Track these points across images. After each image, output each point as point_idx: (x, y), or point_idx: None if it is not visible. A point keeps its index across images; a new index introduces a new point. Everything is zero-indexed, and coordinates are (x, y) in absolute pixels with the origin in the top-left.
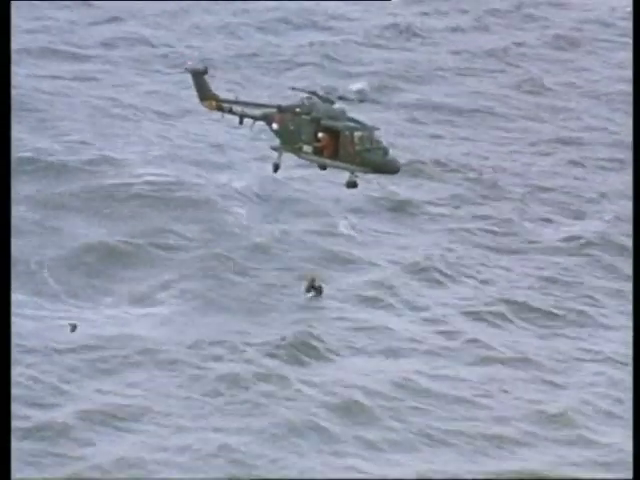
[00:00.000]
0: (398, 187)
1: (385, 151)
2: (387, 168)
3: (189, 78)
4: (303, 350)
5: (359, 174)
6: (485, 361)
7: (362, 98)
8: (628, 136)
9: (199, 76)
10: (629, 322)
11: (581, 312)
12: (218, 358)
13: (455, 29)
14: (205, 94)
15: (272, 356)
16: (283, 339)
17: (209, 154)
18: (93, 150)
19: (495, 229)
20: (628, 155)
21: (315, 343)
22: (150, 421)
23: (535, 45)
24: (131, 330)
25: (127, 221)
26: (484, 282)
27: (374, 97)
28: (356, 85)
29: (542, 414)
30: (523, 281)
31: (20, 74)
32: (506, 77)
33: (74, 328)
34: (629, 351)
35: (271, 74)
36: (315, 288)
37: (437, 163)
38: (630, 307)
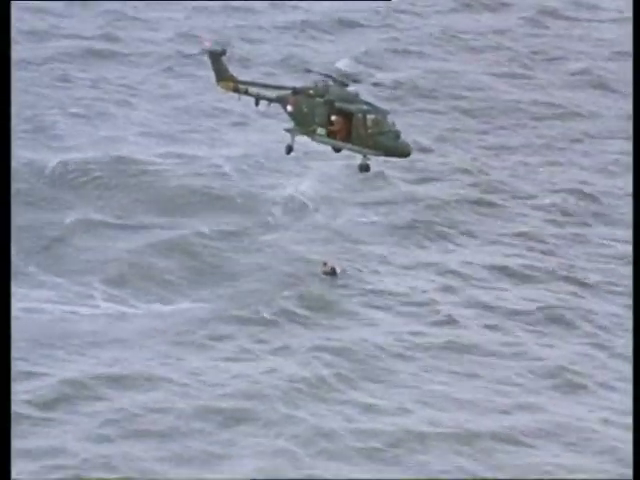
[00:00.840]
0: None
1: (397, 134)
2: (399, 151)
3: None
4: None
5: (371, 157)
6: None
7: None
8: None
9: (217, 57)
10: None
11: None
12: None
13: None
14: (222, 75)
15: None
16: None
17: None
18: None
19: None
20: None
21: None
22: None
23: None
24: None
25: None
26: None
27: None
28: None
29: None
30: None
31: None
32: None
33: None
34: None
35: None
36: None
37: None
38: None
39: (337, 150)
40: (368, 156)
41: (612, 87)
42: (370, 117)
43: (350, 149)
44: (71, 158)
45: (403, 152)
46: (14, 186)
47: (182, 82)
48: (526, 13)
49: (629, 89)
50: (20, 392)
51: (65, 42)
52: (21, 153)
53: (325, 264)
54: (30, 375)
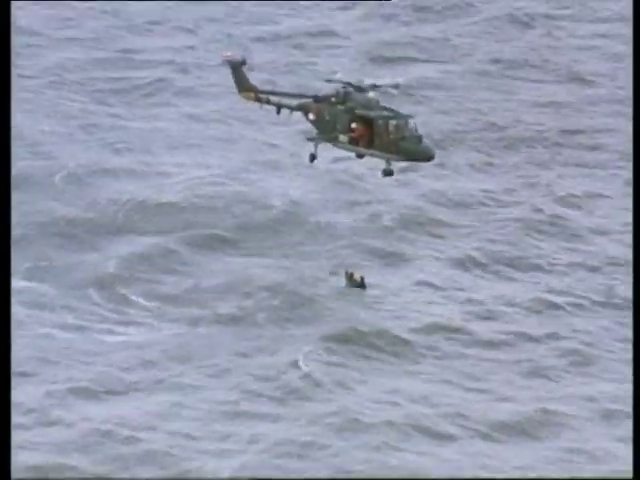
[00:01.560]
0: None
1: (419, 139)
2: (422, 156)
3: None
4: None
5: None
6: None
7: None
8: None
9: (237, 67)
10: None
11: None
12: None
13: None
14: (243, 85)
15: None
16: None
17: None
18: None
19: None
20: None
21: None
22: None
23: None
24: None
25: None
26: None
27: None
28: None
29: None
30: None
31: None
32: None
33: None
34: None
35: None
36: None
37: None
38: None
39: (360, 156)
40: (391, 161)
41: None
42: (392, 122)
43: (373, 155)
44: None
45: (426, 156)
46: None
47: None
48: None
49: None
50: None
51: None
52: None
53: (351, 275)
54: None
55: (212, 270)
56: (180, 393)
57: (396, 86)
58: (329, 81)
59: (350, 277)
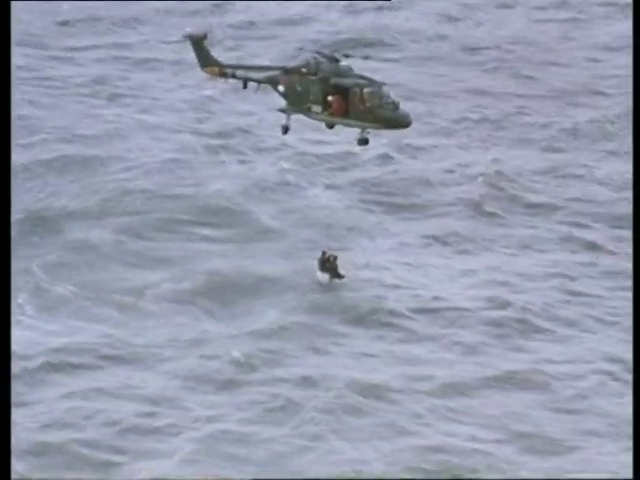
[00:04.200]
0: None
1: (396, 105)
2: (399, 123)
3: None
4: None
5: (370, 130)
6: None
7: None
8: None
9: (199, 42)
10: None
11: None
12: None
13: None
14: (206, 61)
15: None
16: None
17: None
18: None
19: None
20: None
21: None
22: None
23: None
24: None
25: None
26: None
27: None
28: None
29: None
30: None
31: None
32: None
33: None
34: None
35: None
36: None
37: None
38: None
39: (331, 126)
40: (367, 130)
41: None
42: (367, 90)
43: (348, 124)
44: None
45: (403, 123)
46: None
47: None
48: None
49: None
50: None
51: None
52: None
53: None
54: None
55: None
56: None
57: (367, 56)
58: (300, 49)
59: (326, 261)
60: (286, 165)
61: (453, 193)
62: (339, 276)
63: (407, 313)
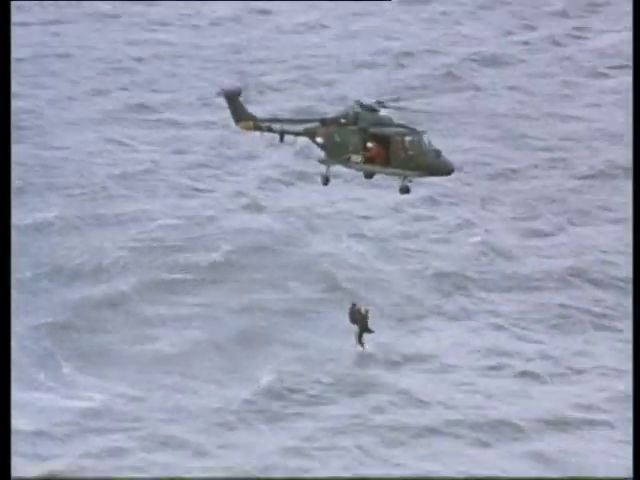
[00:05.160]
0: None
1: (438, 153)
2: (442, 170)
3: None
4: None
5: (412, 178)
6: None
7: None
8: None
9: (233, 98)
10: None
11: None
12: None
13: None
14: (241, 116)
15: None
16: None
17: None
18: None
19: None
20: None
21: None
22: None
23: None
24: None
25: None
26: None
27: None
28: None
29: None
30: None
31: None
32: None
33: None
34: None
35: None
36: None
37: None
38: None
39: (369, 176)
40: (409, 178)
41: None
42: (408, 139)
43: (391, 173)
44: None
45: (446, 170)
46: None
47: None
48: None
49: None
50: None
51: None
52: None
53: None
54: None
55: None
56: None
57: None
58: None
59: (356, 313)
60: None
61: None
62: (369, 330)
63: None
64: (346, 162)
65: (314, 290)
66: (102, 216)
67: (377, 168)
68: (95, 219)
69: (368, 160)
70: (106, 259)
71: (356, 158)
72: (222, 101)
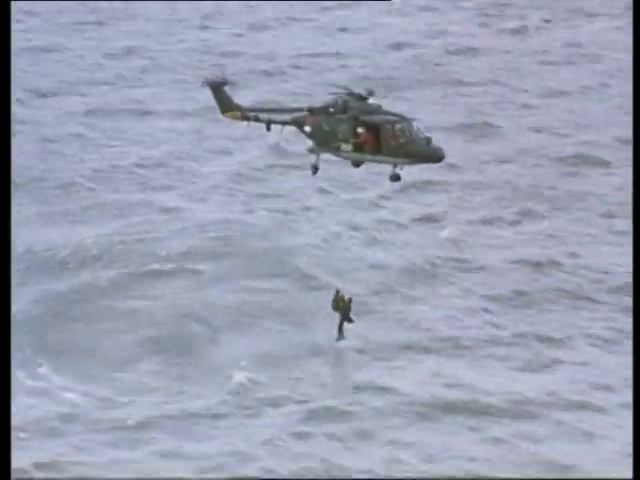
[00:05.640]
0: None
1: (428, 140)
2: (432, 156)
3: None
4: None
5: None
6: None
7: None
8: None
9: (219, 88)
10: None
11: None
12: None
13: None
14: (227, 106)
15: None
16: None
17: None
18: None
19: None
20: None
21: None
22: None
23: None
24: None
25: None
26: None
27: None
28: None
29: None
30: None
31: None
32: None
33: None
34: None
35: None
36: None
37: None
38: None
39: (357, 165)
40: (400, 166)
41: None
42: (398, 126)
43: (381, 161)
44: None
45: (437, 156)
46: None
47: None
48: None
49: None
50: None
51: None
52: None
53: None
54: None
55: None
56: None
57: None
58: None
59: (340, 301)
60: None
61: None
62: (349, 320)
63: None
64: (335, 151)
65: (287, 281)
66: (72, 211)
67: (367, 156)
68: (70, 214)
69: (358, 148)
70: (81, 253)
71: (346, 147)
72: (197, 94)
